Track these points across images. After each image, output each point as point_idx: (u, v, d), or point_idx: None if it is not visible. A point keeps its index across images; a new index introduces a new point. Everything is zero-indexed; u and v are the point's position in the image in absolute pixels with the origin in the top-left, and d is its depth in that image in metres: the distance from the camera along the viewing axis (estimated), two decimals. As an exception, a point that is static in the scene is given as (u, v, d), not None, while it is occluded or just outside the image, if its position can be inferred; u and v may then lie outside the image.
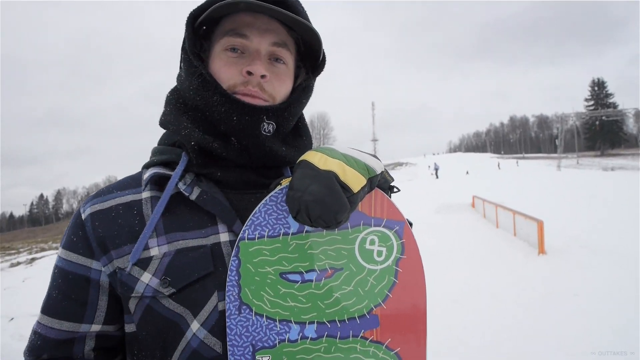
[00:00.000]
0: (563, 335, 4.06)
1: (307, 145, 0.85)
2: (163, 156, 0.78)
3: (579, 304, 4.82)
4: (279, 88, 0.76)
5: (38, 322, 0.74)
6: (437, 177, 34.36)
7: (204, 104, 0.73)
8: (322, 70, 0.83)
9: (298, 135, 0.85)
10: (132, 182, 0.78)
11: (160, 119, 0.81)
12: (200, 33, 0.76)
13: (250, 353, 0.69)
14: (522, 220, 8.53)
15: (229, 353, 0.69)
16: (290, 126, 0.81)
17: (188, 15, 0.73)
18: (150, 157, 0.81)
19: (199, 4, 0.74)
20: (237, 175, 0.76)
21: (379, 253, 0.71)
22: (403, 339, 0.72)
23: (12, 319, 6.28)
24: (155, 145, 0.84)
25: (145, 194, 0.75)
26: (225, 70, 0.73)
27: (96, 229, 0.71)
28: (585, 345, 3.79)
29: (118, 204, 0.74)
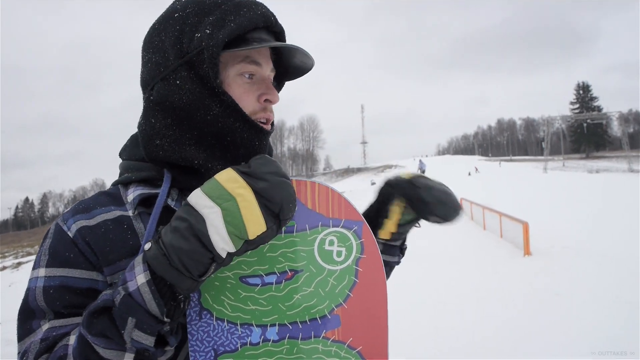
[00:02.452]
0: (547, 333, 4.11)
1: (272, 153, 0.91)
2: (142, 173, 0.76)
3: (561, 303, 4.88)
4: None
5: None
6: None
7: (225, 129, 0.74)
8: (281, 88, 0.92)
9: None
10: (112, 200, 0.75)
11: (153, 140, 0.75)
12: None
13: (212, 357, 0.69)
14: (508, 222, 8.63)
15: (190, 358, 0.68)
16: None
17: (215, 41, 0.70)
18: (123, 173, 0.79)
19: (226, 29, 0.71)
20: None
21: (339, 253, 0.71)
22: (365, 338, 0.72)
23: (-1, 323, 6.18)
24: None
25: (132, 212, 0.73)
26: (246, 97, 0.75)
27: (89, 245, 0.68)
28: (581, 344, 3.84)
29: (106, 220, 0.71)
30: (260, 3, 0.78)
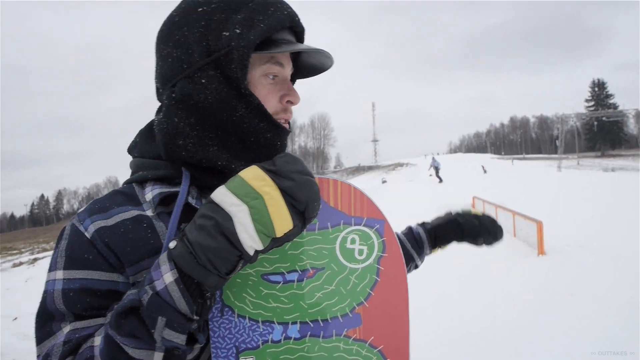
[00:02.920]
0: (560, 334, 4.06)
1: None
2: (159, 171, 0.75)
3: (576, 304, 4.81)
4: None
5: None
6: (439, 179, 25.31)
7: (250, 130, 0.74)
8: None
9: None
10: (128, 199, 0.74)
11: (175, 140, 0.73)
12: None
13: (234, 355, 0.69)
14: (521, 220, 8.51)
15: (212, 355, 0.69)
16: None
17: (247, 42, 0.70)
18: (138, 172, 0.78)
19: (257, 30, 0.71)
20: None
21: (360, 252, 0.72)
22: (386, 336, 0.72)
23: (15, 318, 6.31)
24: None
25: (151, 211, 0.72)
26: (270, 98, 0.76)
27: (108, 246, 0.68)
28: (583, 345, 3.79)
29: (124, 219, 0.70)
30: (285, 2, 0.77)
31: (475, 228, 1.13)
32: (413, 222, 1.20)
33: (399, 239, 1.11)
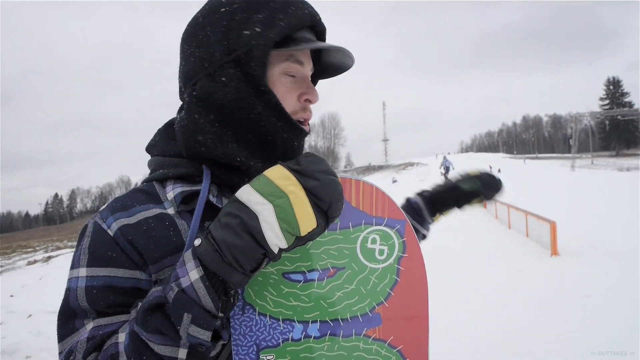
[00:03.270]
0: (575, 337, 4.01)
1: None
2: (179, 169, 0.76)
3: (592, 306, 4.75)
4: None
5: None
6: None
7: (267, 128, 0.74)
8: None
9: None
10: (150, 197, 0.74)
11: (195, 136, 0.74)
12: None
13: (254, 352, 0.70)
14: (534, 221, 8.43)
15: (233, 352, 0.70)
16: None
17: (266, 40, 0.70)
18: (158, 170, 0.78)
19: (276, 28, 0.71)
20: None
21: (381, 252, 0.72)
22: (405, 337, 0.72)
23: (30, 315, 6.41)
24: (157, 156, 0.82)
25: (172, 209, 0.73)
26: (288, 97, 0.76)
27: (131, 244, 0.68)
28: (597, 346, 3.74)
29: (146, 217, 0.71)
30: (306, 1, 0.78)
31: (478, 188, 1.17)
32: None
33: None
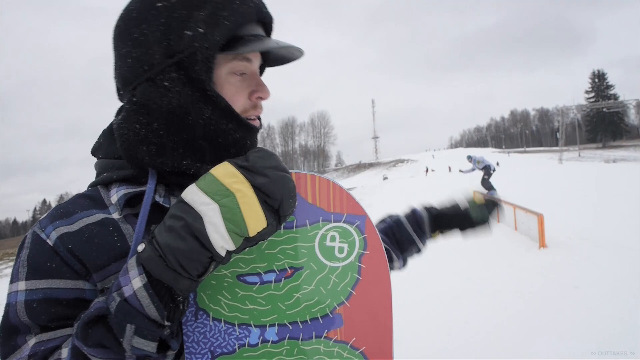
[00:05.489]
0: (564, 329, 4.02)
1: None
2: (124, 171, 0.71)
3: (580, 297, 4.78)
4: None
5: None
6: (488, 186, 14.77)
7: (217, 131, 0.70)
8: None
9: None
10: (93, 202, 0.70)
11: (137, 147, 0.69)
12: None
13: (209, 359, 0.66)
14: (522, 214, 8.48)
15: None
16: None
17: (210, 43, 0.66)
18: (102, 173, 0.74)
19: (221, 29, 0.67)
20: None
21: (340, 250, 0.68)
22: (368, 337, 0.69)
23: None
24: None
25: (117, 214, 0.68)
26: (237, 96, 0.73)
27: (72, 253, 0.64)
28: (586, 339, 3.76)
29: (88, 224, 0.66)
30: None
31: (487, 220, 1.15)
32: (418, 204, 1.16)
33: (400, 220, 1.09)
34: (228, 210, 0.55)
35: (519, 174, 23.55)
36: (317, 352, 0.68)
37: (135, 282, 0.55)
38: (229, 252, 0.56)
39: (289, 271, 0.68)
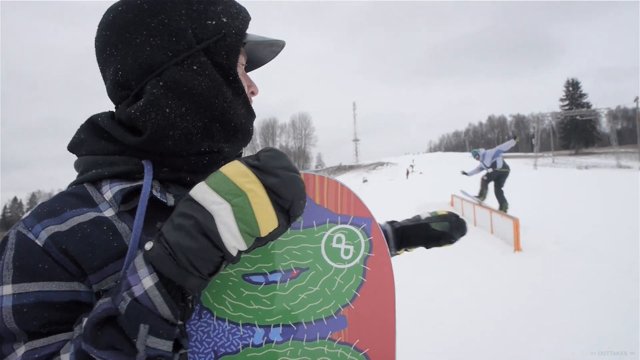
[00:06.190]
0: (536, 328, 4.13)
1: None
2: (117, 167, 0.69)
3: (553, 299, 4.91)
4: None
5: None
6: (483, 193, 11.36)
7: (234, 116, 0.75)
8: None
9: None
10: (81, 201, 0.67)
11: (165, 131, 0.69)
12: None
13: (212, 359, 0.66)
14: (498, 218, 8.66)
15: None
16: None
17: (237, 30, 0.74)
18: (89, 170, 0.71)
19: (240, 21, 0.76)
20: (204, 177, 0.73)
21: (346, 251, 0.69)
22: (372, 339, 0.70)
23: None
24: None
25: (110, 212, 0.66)
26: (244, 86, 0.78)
27: (65, 253, 0.61)
28: (559, 338, 3.86)
29: (80, 223, 0.63)
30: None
31: (447, 230, 1.19)
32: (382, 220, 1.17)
33: None
34: (240, 210, 0.55)
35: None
36: (321, 353, 0.68)
37: (145, 281, 0.54)
38: (239, 252, 0.56)
39: (295, 272, 0.68)
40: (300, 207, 0.59)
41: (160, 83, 0.69)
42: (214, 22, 0.71)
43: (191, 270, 0.54)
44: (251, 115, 0.80)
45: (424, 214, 1.21)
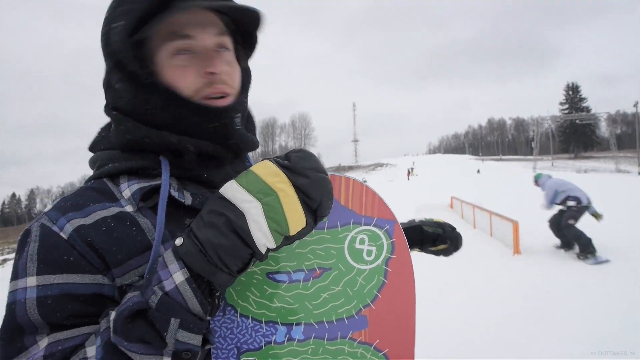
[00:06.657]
0: (540, 332, 4.14)
1: (254, 125, 0.85)
2: (134, 162, 0.69)
3: (551, 302, 4.93)
4: (234, 76, 0.74)
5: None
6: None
7: (171, 119, 0.69)
8: (255, 46, 0.81)
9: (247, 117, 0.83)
10: (103, 195, 0.68)
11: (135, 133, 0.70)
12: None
13: (235, 356, 0.67)
14: (498, 220, 8.66)
15: (212, 356, 0.66)
16: (246, 112, 0.80)
17: (116, 30, 0.67)
18: (107, 164, 0.72)
19: (129, 15, 0.66)
20: (221, 173, 0.73)
21: (369, 252, 0.70)
22: (392, 340, 0.71)
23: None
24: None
25: (130, 207, 0.67)
26: (183, 77, 0.69)
27: (91, 246, 0.62)
28: (559, 338, 3.88)
29: (104, 217, 0.64)
30: None
31: (439, 236, 1.18)
32: None
33: None
34: (271, 208, 0.56)
35: (495, 182, 24.06)
36: (342, 352, 0.69)
37: (176, 276, 0.55)
38: (268, 250, 0.57)
39: (318, 271, 0.69)
40: (327, 207, 0.60)
41: (110, 106, 0.74)
42: (117, 30, 0.67)
43: (221, 266, 0.55)
44: (196, 109, 0.69)
45: (419, 218, 1.21)
